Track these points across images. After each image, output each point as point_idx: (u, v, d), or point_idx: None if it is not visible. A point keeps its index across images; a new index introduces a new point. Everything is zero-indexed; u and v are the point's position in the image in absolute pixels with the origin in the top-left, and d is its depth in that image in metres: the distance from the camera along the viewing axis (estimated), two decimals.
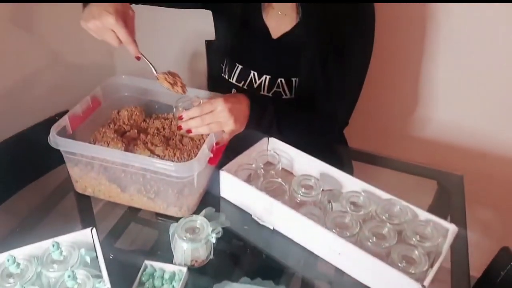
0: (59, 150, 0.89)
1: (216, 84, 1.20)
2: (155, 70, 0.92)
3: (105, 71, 1.75)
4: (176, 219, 0.84)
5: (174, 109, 1.03)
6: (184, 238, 0.79)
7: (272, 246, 0.89)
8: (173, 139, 1.01)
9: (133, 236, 0.95)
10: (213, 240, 0.80)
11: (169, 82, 0.91)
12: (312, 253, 0.87)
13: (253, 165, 0.98)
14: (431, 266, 0.79)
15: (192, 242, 0.79)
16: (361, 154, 1.18)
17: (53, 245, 0.73)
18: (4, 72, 1.27)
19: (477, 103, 1.36)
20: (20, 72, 1.33)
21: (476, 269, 0.93)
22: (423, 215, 0.88)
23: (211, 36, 1.44)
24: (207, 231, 0.80)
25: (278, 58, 1.10)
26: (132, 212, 0.96)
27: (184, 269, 0.79)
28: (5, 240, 0.88)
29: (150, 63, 0.90)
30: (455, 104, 1.39)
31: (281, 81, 1.10)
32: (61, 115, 1.09)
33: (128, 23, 0.83)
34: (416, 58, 1.35)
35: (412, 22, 1.29)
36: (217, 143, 0.93)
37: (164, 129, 1.04)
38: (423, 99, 1.41)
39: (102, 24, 0.81)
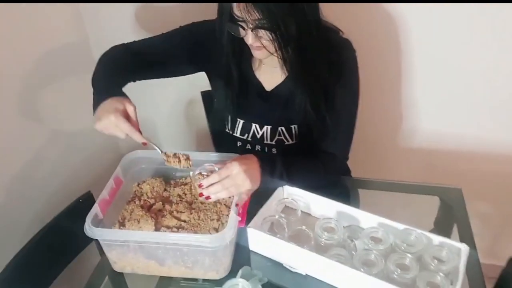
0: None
1: (221, 139, 1.27)
2: (161, 151, 1.01)
3: (106, 146, 1.81)
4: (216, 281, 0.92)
5: (191, 176, 1.10)
6: None
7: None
8: (195, 203, 1.09)
9: None
10: None
11: (174, 161, 1.01)
12: None
13: (276, 216, 1.06)
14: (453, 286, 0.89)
15: None
16: (366, 182, 1.28)
17: None
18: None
19: (458, 109, 1.47)
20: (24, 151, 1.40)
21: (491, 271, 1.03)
22: (437, 239, 0.98)
23: (205, 87, 1.52)
24: None
25: (275, 109, 1.18)
26: (166, 281, 1.03)
27: None
28: None
29: (157, 146, 1.01)
30: (437, 112, 1.50)
31: (281, 129, 1.18)
32: (84, 197, 1.17)
33: (129, 115, 0.95)
34: (394, 77, 1.46)
35: (387, 43, 1.40)
36: (237, 204, 1.00)
37: (185, 194, 1.11)
38: (407, 112, 1.52)
39: (106, 123, 0.93)
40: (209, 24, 1.11)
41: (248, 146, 1.23)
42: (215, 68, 1.17)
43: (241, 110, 1.20)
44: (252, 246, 1.05)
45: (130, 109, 0.97)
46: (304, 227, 1.03)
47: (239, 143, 1.23)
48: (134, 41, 1.18)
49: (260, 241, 1.02)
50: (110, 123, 0.93)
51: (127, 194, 1.11)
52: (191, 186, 1.13)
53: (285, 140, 1.19)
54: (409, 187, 1.25)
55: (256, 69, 1.17)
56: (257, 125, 1.19)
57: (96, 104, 0.98)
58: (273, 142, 1.20)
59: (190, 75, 1.25)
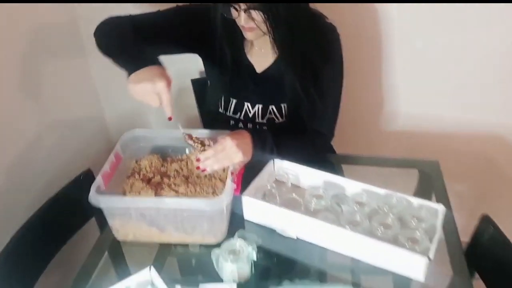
0: (87, 207, 1.01)
1: (214, 119, 1.34)
2: (183, 131, 1.08)
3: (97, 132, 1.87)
4: (213, 246, 0.99)
5: (187, 152, 1.17)
6: (230, 259, 0.94)
7: (299, 252, 1.05)
8: (191, 177, 1.16)
9: (175, 268, 1.08)
10: (254, 258, 0.95)
11: (196, 142, 1.07)
12: (332, 251, 1.03)
13: (268, 186, 1.13)
14: (431, 242, 0.98)
15: (237, 262, 0.93)
16: (349, 158, 1.37)
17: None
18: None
19: (435, 93, 1.58)
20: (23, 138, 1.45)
21: (464, 234, 1.12)
22: (416, 201, 1.07)
23: (194, 75, 1.60)
24: (247, 250, 0.95)
25: (266, 89, 1.26)
26: (165, 248, 1.08)
27: (234, 285, 0.93)
28: None
29: (180, 125, 1.08)
30: (416, 96, 1.61)
31: (272, 108, 1.26)
32: (85, 174, 1.22)
33: (169, 88, 0.99)
34: (375, 63, 1.56)
35: (366, 31, 1.50)
36: (232, 173, 1.08)
37: (182, 169, 1.18)
38: (388, 96, 1.62)
39: (153, 87, 0.96)
40: (203, 7, 1.18)
41: (241, 125, 1.30)
42: (209, 51, 1.24)
43: (234, 90, 1.28)
44: (247, 215, 1.12)
45: (168, 81, 1.00)
46: (294, 194, 1.11)
47: (231, 122, 1.31)
48: (131, 14, 1.19)
49: (254, 209, 1.10)
50: (157, 88, 0.96)
51: (126, 170, 1.18)
52: (187, 162, 1.19)
53: (275, 119, 1.27)
54: (390, 162, 1.34)
55: (248, 52, 1.25)
56: (249, 104, 1.27)
57: (131, 68, 1.00)
58: (264, 121, 1.28)
59: (180, 64, 1.32)
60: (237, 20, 1.10)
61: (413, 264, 0.94)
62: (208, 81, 1.32)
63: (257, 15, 1.05)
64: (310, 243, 1.05)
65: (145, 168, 1.16)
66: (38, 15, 1.48)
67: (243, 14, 1.06)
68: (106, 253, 1.11)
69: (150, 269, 0.92)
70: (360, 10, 1.46)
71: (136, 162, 1.20)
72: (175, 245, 1.08)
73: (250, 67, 1.26)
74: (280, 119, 1.27)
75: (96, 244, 1.13)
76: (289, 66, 1.18)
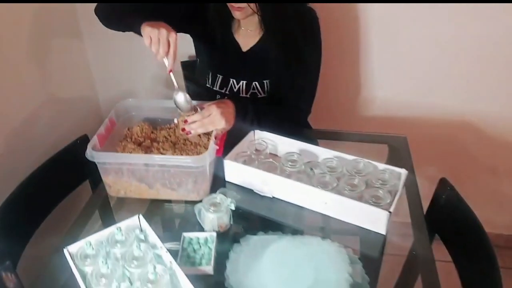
0: (81, 170, 1.10)
1: (201, 94, 1.45)
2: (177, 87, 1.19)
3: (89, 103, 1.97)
4: (193, 203, 1.10)
5: (177, 117, 1.27)
6: (211, 210, 1.04)
7: (274, 209, 1.15)
8: (178, 143, 1.26)
9: (162, 220, 1.18)
10: (232, 207, 1.06)
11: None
12: (304, 208, 1.13)
13: (248, 152, 1.24)
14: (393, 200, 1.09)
15: (217, 212, 1.04)
16: (323, 133, 1.47)
17: (117, 229, 0.96)
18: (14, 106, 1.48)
19: (407, 80, 1.70)
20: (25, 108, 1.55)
21: (425, 198, 1.23)
22: (382, 166, 1.18)
23: (183, 58, 1.70)
24: (227, 202, 1.06)
25: (250, 67, 1.37)
26: (153, 205, 1.18)
27: (214, 234, 1.03)
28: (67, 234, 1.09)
29: (175, 81, 1.18)
30: (389, 83, 1.73)
31: (255, 84, 1.37)
32: (81, 139, 1.32)
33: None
34: (353, 50, 1.68)
35: (347, 22, 1.62)
36: (215, 137, 1.18)
37: (170, 136, 1.28)
38: (364, 82, 1.74)
39: (167, 35, 1.08)
40: None
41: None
42: (200, 30, 1.36)
43: (220, 67, 1.39)
44: (228, 177, 1.22)
45: (174, 36, 1.10)
46: (271, 159, 1.22)
47: (218, 96, 1.42)
48: None
49: (234, 171, 1.20)
50: (165, 35, 1.07)
51: (119, 136, 1.28)
52: (175, 130, 1.30)
53: (258, 94, 1.38)
54: (363, 137, 1.45)
55: (235, 32, 1.37)
56: (234, 80, 1.38)
57: (142, 20, 1.11)
58: (248, 95, 1.39)
59: None
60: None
61: (376, 218, 1.04)
62: (198, 59, 1.43)
63: None
64: (285, 201, 1.16)
65: (137, 134, 1.27)
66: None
67: None
68: (97, 211, 1.21)
69: (139, 217, 1.02)
70: None
71: (128, 129, 1.30)
72: (162, 201, 1.18)
73: (236, 46, 1.37)
74: (263, 94, 1.38)
75: (89, 202, 1.23)
76: (274, 43, 1.30)
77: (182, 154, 1.21)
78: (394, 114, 1.77)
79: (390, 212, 1.03)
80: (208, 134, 1.25)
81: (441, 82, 1.67)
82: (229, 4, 1.23)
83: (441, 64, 1.64)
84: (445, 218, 1.19)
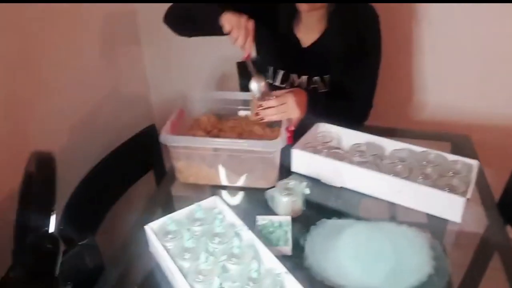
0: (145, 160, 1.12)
1: None
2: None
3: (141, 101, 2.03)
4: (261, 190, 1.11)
5: (251, 101, 1.28)
6: (285, 194, 1.05)
7: (343, 198, 1.15)
8: (244, 134, 1.28)
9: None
10: (307, 191, 1.06)
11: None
12: (374, 197, 1.12)
13: (313, 144, 1.25)
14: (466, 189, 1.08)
15: (292, 196, 1.04)
16: (384, 130, 1.44)
17: (197, 206, 0.97)
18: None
19: (463, 84, 1.69)
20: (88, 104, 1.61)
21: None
22: (452, 157, 1.17)
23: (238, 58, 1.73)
24: (301, 187, 1.06)
25: (310, 62, 1.40)
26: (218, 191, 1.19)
27: (289, 217, 1.03)
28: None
29: (254, 69, 1.20)
30: (442, 89, 1.73)
31: (316, 79, 1.39)
32: (149, 128, 1.35)
33: None
34: (408, 56, 1.69)
35: (403, 26, 1.64)
36: (286, 128, 1.19)
37: (236, 127, 1.30)
38: (417, 88, 1.74)
39: (245, 23, 1.12)
40: None
41: None
42: (265, 27, 1.39)
43: (280, 63, 1.42)
44: (294, 167, 1.23)
45: (252, 24, 1.14)
46: (339, 150, 1.22)
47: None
48: None
49: (302, 161, 1.20)
50: (244, 23, 1.11)
51: (187, 126, 1.30)
52: (240, 122, 1.32)
53: (318, 88, 1.40)
54: (424, 135, 1.42)
55: (295, 28, 1.40)
56: (295, 76, 1.40)
57: (220, 13, 1.15)
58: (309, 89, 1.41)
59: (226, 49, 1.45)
60: None
61: (451, 205, 1.03)
62: (258, 56, 1.47)
63: None
64: (354, 191, 1.15)
65: (204, 123, 1.29)
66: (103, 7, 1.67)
67: None
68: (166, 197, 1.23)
69: (216, 198, 1.03)
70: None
71: (196, 119, 1.33)
72: (230, 187, 1.19)
73: (297, 42, 1.40)
74: (323, 89, 1.40)
75: (160, 188, 1.25)
76: (336, 39, 1.32)
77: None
78: (448, 118, 1.76)
79: (467, 198, 1.01)
80: (273, 125, 1.26)
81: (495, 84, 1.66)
82: None
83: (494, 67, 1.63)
84: None
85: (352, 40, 1.32)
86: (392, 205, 1.11)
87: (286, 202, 1.05)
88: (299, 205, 1.07)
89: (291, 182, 1.08)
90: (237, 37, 1.13)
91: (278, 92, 1.23)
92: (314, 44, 1.39)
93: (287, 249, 0.96)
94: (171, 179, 1.23)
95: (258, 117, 1.20)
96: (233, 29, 1.12)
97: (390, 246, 0.95)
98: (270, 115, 1.19)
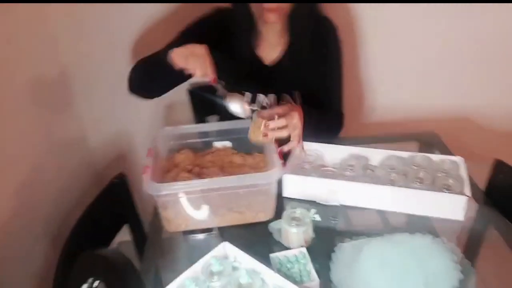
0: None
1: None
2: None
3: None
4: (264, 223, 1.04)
5: (253, 117, 1.17)
6: (294, 225, 0.98)
7: (345, 216, 1.11)
8: (224, 167, 1.19)
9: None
10: (318, 218, 1.00)
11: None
12: (374, 210, 1.11)
13: (300, 165, 1.20)
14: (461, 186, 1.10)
15: (302, 226, 0.98)
16: (349, 139, 1.41)
17: (214, 259, 0.87)
18: None
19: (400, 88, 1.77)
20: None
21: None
22: (435, 157, 1.20)
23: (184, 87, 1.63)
24: (309, 215, 1.00)
25: (276, 79, 1.36)
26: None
27: (304, 249, 0.97)
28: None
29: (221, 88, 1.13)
30: (385, 91, 1.79)
31: (284, 95, 1.35)
32: (118, 177, 1.21)
33: None
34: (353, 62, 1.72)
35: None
36: (288, 151, 1.17)
37: (215, 160, 1.21)
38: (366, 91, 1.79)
39: (199, 49, 1.05)
40: (215, 12, 1.29)
41: None
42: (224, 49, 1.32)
43: (246, 84, 1.35)
44: (285, 193, 1.17)
45: (204, 46, 1.06)
46: (328, 167, 1.19)
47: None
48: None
49: (295, 185, 1.15)
50: (192, 50, 1.03)
51: (162, 167, 1.18)
52: (218, 153, 1.23)
53: None
54: (389, 139, 1.44)
55: (257, 47, 1.35)
56: (262, 95, 1.35)
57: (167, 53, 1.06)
58: None
59: None
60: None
61: (454, 205, 1.05)
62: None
63: None
64: (353, 207, 1.12)
65: (183, 161, 1.18)
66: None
67: None
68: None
69: (224, 245, 0.93)
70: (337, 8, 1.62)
71: (170, 159, 1.21)
72: (229, 227, 1.09)
73: (259, 60, 1.35)
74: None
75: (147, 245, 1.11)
76: (295, 57, 1.32)
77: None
78: (398, 119, 1.81)
79: (468, 196, 1.04)
80: (251, 152, 1.22)
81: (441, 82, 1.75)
82: (265, 7, 1.19)
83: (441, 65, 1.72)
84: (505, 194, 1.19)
85: (316, 53, 1.32)
86: (392, 214, 1.10)
87: (297, 233, 0.98)
88: (310, 233, 1.01)
89: (297, 211, 1.02)
90: (194, 67, 1.04)
91: (279, 109, 1.16)
92: (277, 61, 1.35)
93: (315, 284, 0.90)
94: (156, 231, 1.10)
95: (266, 137, 1.11)
96: (188, 61, 1.04)
97: (413, 257, 0.93)
98: (280, 135, 1.12)
